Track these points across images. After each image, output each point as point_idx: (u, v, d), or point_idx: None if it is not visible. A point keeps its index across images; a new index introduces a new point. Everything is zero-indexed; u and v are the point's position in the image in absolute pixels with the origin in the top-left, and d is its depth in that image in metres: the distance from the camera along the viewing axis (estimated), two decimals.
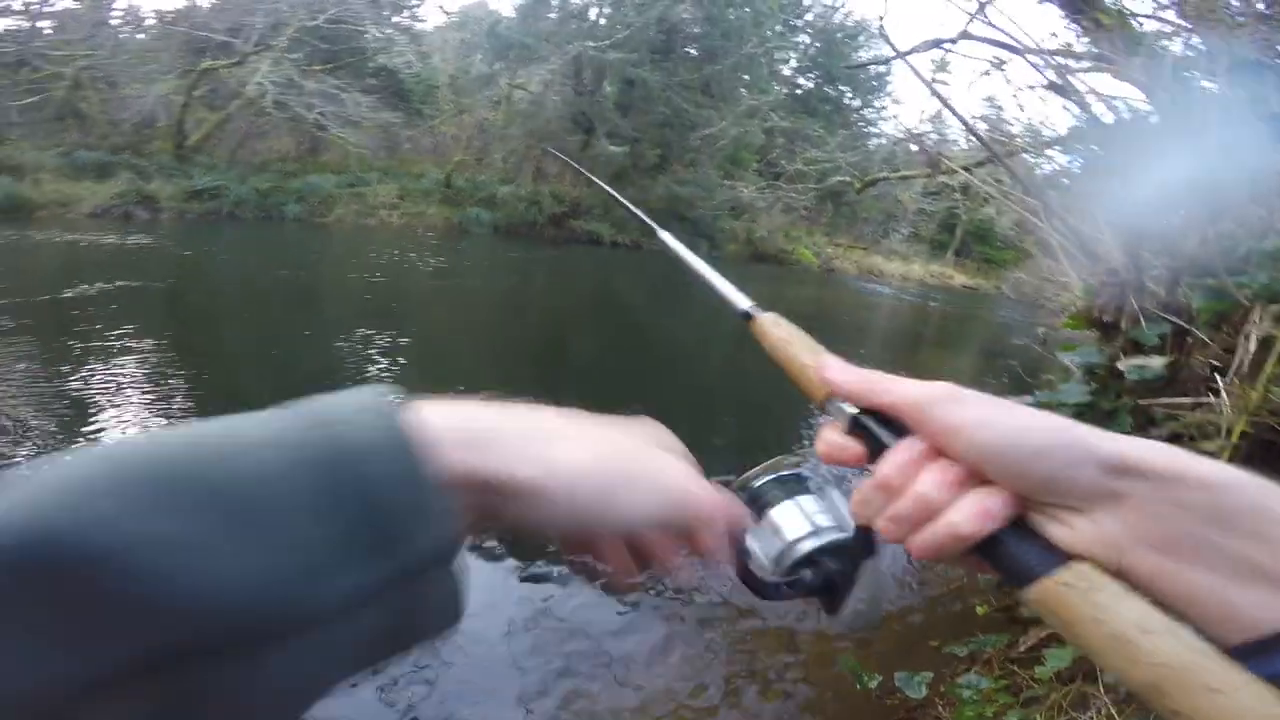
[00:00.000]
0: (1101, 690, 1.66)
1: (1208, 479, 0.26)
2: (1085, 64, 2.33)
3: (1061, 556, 0.27)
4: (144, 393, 4.24)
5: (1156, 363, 2.10)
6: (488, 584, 2.73)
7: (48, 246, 8.68)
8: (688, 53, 20.14)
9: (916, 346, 12.21)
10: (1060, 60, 2.31)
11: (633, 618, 2.67)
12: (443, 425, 0.27)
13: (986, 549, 0.29)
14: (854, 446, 0.33)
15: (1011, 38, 2.38)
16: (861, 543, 0.38)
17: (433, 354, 6.18)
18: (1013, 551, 0.28)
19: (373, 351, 5.66)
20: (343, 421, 0.25)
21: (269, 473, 0.23)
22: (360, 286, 8.82)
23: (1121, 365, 2.20)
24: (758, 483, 0.44)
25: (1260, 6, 1.97)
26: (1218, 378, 1.81)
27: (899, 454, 0.31)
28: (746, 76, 20.78)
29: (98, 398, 4.00)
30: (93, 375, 4.32)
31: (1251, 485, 0.25)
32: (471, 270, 11.96)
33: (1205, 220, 1.85)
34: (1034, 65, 2.30)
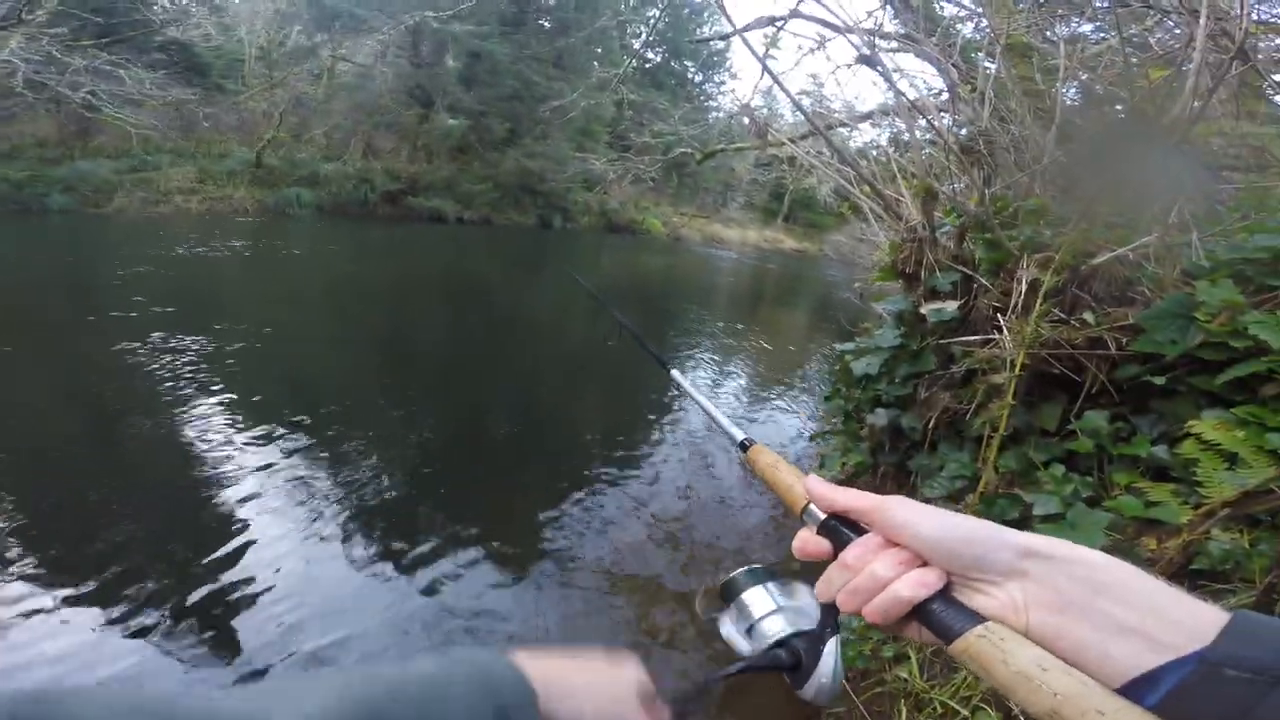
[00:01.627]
0: None
1: (1089, 560, 0.35)
2: (893, 43, 2.60)
3: (979, 618, 0.36)
4: None
5: (950, 307, 2.42)
6: (376, 573, 2.55)
7: None
8: (540, 25, 19.52)
9: (758, 305, 13.11)
10: (873, 39, 2.54)
11: (537, 594, 2.65)
12: (537, 680, 0.43)
13: (922, 613, 0.37)
14: (824, 543, 0.43)
15: (835, 16, 2.58)
16: (824, 626, 0.46)
17: (262, 354, 5.50)
18: (942, 614, 0.37)
19: (187, 360, 4.91)
20: (496, 677, 0.42)
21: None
22: (155, 283, 7.58)
23: (924, 310, 2.50)
24: (731, 575, 0.53)
25: None
26: (1000, 317, 2.13)
27: (859, 545, 0.40)
28: (599, 49, 20.63)
29: None
30: None
31: (1117, 565, 0.35)
32: (298, 257, 10.77)
33: (981, 183, 2.15)
34: (851, 43, 2.52)
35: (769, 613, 0.50)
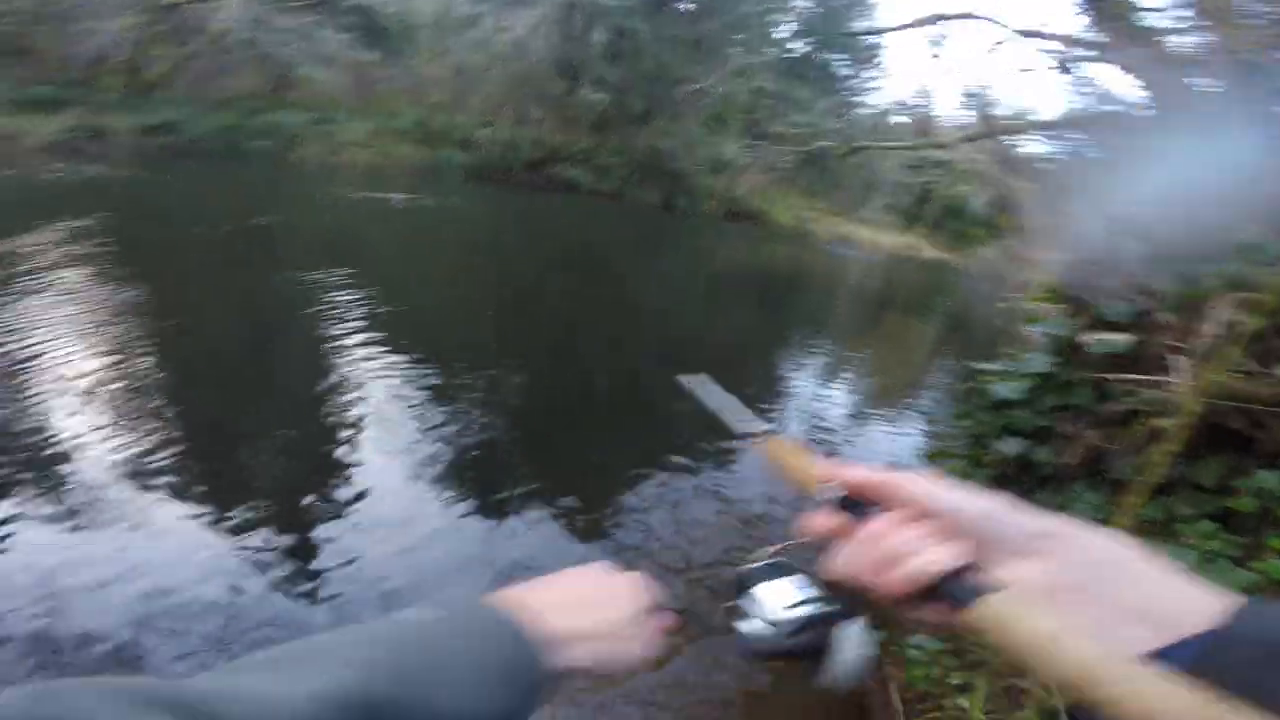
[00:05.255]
0: None
1: (1100, 541, 0.36)
2: (1089, 52, 2.37)
3: (1001, 585, 0.36)
4: (96, 335, 4.09)
5: (1121, 339, 2.21)
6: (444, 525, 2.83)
7: None
8: (683, 7, 19.50)
9: (886, 311, 12.48)
10: (1064, 46, 2.34)
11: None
12: (540, 631, 0.43)
13: (946, 583, 0.37)
14: (838, 520, 0.43)
15: (1023, 20, 2.40)
16: (838, 612, 0.47)
17: (402, 299, 6.05)
18: (964, 582, 0.37)
19: (338, 296, 5.52)
20: (498, 627, 0.42)
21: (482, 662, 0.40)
22: (324, 225, 8.53)
23: (1086, 339, 2.30)
24: (746, 567, 0.55)
25: (1270, 10, 2.01)
26: (1177, 358, 1.93)
27: (882, 519, 0.40)
28: (740, 36, 20.23)
29: (41, 346, 3.85)
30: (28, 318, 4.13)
31: (1129, 546, 0.36)
32: (446, 212, 11.64)
33: (1181, 209, 1.94)
34: (1048, 50, 2.33)
35: (790, 604, 0.51)
